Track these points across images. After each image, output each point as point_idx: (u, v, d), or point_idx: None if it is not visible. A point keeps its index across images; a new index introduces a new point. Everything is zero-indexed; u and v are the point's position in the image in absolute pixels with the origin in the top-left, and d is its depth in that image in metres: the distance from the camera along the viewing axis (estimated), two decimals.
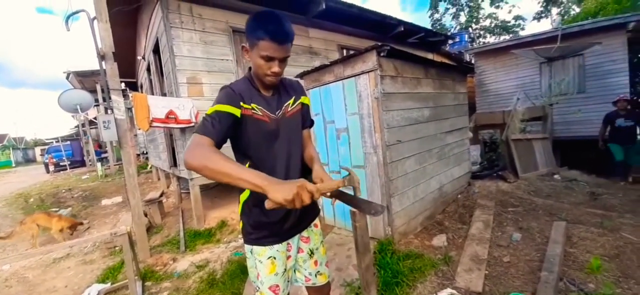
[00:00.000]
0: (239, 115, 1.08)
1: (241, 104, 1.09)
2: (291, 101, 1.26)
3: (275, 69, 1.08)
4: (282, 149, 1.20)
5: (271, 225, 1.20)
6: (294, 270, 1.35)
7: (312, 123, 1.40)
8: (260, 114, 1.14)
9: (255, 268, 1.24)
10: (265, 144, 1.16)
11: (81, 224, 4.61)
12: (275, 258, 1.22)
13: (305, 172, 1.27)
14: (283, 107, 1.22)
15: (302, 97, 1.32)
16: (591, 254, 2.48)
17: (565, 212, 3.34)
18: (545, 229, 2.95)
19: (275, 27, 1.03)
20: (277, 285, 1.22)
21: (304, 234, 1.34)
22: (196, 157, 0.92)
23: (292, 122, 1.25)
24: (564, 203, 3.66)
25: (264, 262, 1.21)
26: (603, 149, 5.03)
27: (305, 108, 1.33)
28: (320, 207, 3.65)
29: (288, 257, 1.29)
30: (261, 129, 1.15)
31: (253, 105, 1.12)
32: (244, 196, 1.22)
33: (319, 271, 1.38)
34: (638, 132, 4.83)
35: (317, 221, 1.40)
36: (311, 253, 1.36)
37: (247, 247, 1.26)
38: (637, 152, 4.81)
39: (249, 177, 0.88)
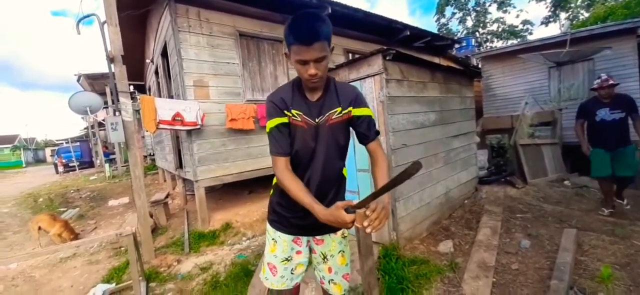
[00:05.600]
0: (287, 121, 1.17)
1: (285, 111, 1.17)
2: (338, 109, 1.20)
3: (311, 71, 1.06)
4: (319, 155, 1.21)
5: (281, 215, 1.31)
6: (314, 268, 1.43)
7: (376, 134, 1.27)
8: (299, 120, 1.18)
9: (267, 242, 1.39)
10: (302, 148, 1.20)
11: (78, 235, 4.63)
12: (276, 241, 1.34)
13: (341, 181, 1.31)
14: (326, 114, 1.20)
15: (354, 109, 1.22)
16: (602, 262, 2.41)
17: (576, 219, 3.26)
18: (555, 236, 2.88)
19: (300, 28, 1.02)
20: (275, 266, 1.33)
21: (318, 236, 1.34)
22: (280, 181, 1.16)
23: (333, 130, 1.21)
24: (574, 210, 3.58)
25: (269, 241, 1.37)
26: (588, 156, 3.42)
27: (361, 119, 1.23)
28: None
29: (297, 252, 1.34)
30: (299, 134, 1.19)
31: (294, 111, 1.17)
32: (275, 180, 1.29)
33: (332, 279, 1.36)
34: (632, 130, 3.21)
35: (339, 232, 1.36)
36: (324, 257, 1.35)
37: (267, 223, 1.41)
38: (629, 159, 3.19)
39: (307, 201, 1.06)
